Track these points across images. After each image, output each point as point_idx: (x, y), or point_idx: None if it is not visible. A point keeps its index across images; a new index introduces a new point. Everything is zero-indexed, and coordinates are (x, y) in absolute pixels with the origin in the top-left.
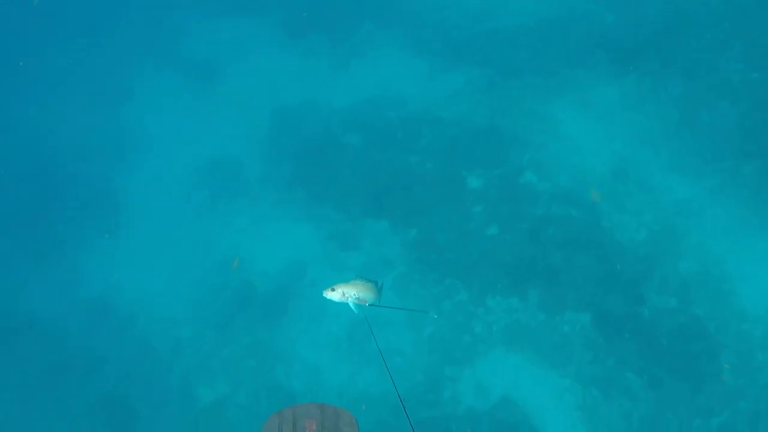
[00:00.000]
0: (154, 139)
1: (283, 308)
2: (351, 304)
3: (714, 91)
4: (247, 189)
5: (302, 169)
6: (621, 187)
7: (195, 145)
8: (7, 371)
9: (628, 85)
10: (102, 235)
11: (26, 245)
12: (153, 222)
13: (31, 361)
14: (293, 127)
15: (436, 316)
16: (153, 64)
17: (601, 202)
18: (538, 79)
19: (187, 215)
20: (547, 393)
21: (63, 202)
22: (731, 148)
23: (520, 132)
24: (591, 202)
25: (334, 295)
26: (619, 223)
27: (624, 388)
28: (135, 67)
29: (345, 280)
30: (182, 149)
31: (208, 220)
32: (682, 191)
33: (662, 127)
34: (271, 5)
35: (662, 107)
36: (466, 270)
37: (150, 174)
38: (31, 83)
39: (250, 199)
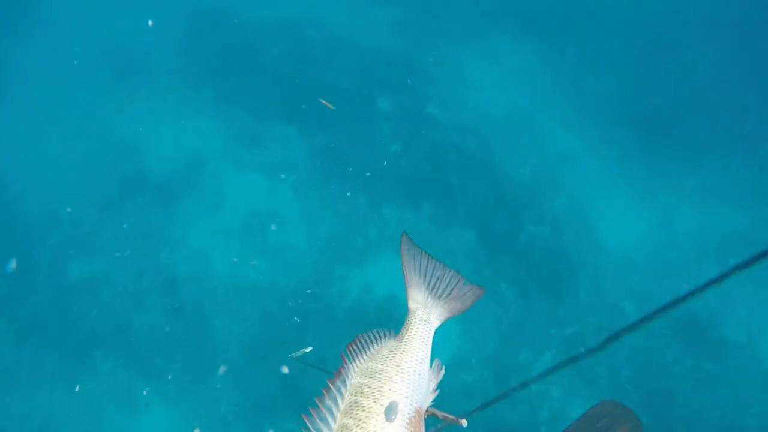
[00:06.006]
0: (56, 14)
1: (176, 196)
2: None
3: (602, 61)
4: (153, 80)
5: (215, 68)
6: (514, 130)
7: (102, 28)
8: None
9: (529, 45)
10: None
11: None
12: (43, 94)
13: None
14: (210, 27)
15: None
16: None
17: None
18: (453, 25)
19: (83, 94)
20: None
21: None
22: (608, 113)
23: (430, 69)
24: (485, 136)
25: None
26: (509, 158)
27: (497, 295)
28: None
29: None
30: (87, 30)
31: (107, 103)
32: (564, 142)
33: (554, 86)
34: None
35: (557, 69)
36: (367, 179)
37: (45, 46)
38: None
39: (155, 89)
